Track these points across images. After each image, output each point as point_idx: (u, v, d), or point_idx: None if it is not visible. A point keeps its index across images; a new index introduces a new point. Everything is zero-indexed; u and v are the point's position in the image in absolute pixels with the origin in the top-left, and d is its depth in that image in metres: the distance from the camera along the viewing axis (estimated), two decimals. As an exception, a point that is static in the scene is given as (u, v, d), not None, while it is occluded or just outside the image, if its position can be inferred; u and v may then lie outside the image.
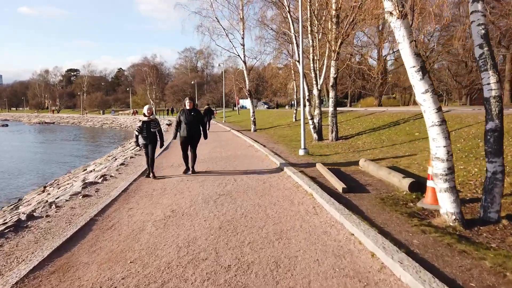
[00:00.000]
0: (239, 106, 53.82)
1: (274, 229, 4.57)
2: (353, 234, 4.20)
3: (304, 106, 11.94)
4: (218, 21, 20.96)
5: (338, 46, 13.26)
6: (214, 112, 50.58)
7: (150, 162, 8.14)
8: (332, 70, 13.64)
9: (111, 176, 8.99)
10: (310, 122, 14.32)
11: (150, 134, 8.01)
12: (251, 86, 23.48)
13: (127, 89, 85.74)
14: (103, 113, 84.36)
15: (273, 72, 30.61)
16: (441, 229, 4.26)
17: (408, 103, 44.49)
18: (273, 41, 22.24)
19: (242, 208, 5.51)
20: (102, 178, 8.73)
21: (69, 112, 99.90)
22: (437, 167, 4.48)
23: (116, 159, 14.14)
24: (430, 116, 4.46)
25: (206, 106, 23.58)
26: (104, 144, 30.00)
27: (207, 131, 8.63)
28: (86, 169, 14.36)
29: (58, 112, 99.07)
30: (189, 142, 8.38)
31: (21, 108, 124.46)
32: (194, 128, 8.32)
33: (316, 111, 14.65)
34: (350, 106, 44.96)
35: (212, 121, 37.63)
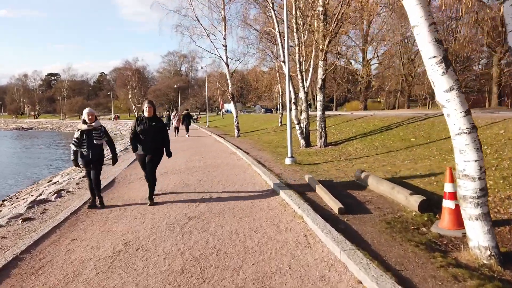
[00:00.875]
0: (223, 110, 52.66)
1: (254, 271, 3.43)
2: (361, 283, 3.10)
3: (291, 110, 10.90)
4: (199, 21, 19.85)
5: (326, 45, 12.30)
6: (198, 116, 49.37)
7: (95, 185, 5.98)
8: (320, 71, 12.66)
9: (68, 191, 7.71)
10: (297, 127, 13.28)
11: (93, 148, 5.82)
12: (234, 89, 22.37)
13: (108, 93, 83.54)
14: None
15: (257, 75, 29.62)
16: (475, 270, 3.21)
17: (394, 107, 44.23)
18: (256, 42, 21.21)
19: (215, 238, 4.35)
20: (56, 194, 7.44)
21: (48, 117, 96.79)
22: (466, 187, 3.43)
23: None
24: (457, 121, 3.41)
25: (185, 111, 22.57)
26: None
27: (170, 148, 6.41)
28: (51, 180, 12.95)
29: (37, 117, 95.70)
30: (148, 162, 6.15)
31: (1, 114, 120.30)
32: (155, 143, 6.11)
33: (303, 115, 13.63)
34: (336, 110, 44.36)
35: (195, 126, 36.43)
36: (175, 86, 59.43)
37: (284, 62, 13.27)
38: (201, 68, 38.47)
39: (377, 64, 43.21)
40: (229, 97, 20.66)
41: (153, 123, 6.06)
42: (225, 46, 20.09)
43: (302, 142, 13.16)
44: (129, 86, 73.39)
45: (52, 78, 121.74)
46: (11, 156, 26.21)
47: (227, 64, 20.22)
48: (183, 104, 65.34)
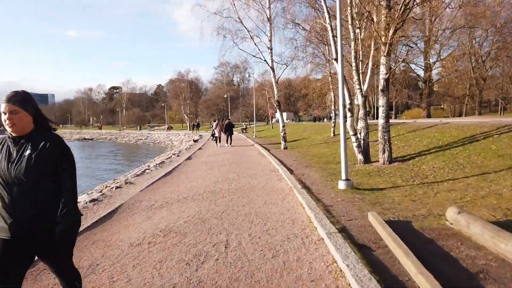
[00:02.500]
0: (273, 120, 50.83)
1: None
2: None
3: (345, 117, 8.60)
4: (241, 22, 18.18)
5: (390, 37, 9.86)
6: (247, 126, 48.02)
7: None
8: (382, 70, 10.20)
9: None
10: (353, 138, 10.86)
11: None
12: (281, 96, 20.35)
13: (162, 104, 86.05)
14: (140, 129, 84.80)
15: (307, 82, 27.36)
16: None
17: (460, 114, 39.43)
18: (305, 43, 19.02)
19: None
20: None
21: (109, 128, 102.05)
22: None
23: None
24: None
25: (227, 121, 21.44)
26: (126, 162, 28.01)
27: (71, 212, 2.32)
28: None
29: (101, 129, 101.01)
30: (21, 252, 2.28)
31: (68, 125, 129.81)
32: (27, 204, 2.24)
33: (361, 124, 11.18)
34: (395, 118, 40.47)
35: (242, 136, 34.92)
36: (225, 96, 58.88)
37: (336, 60, 11.01)
38: (249, 75, 36.91)
39: (440, 68, 38.91)
40: (275, 105, 18.67)
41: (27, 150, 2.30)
42: (271, 49, 18.20)
43: (360, 157, 10.71)
44: (181, 97, 74.60)
45: (114, 91, 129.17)
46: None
47: (272, 68, 18.29)
48: (233, 114, 64.69)
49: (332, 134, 20.18)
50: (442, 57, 35.09)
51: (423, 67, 36.92)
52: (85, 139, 74.59)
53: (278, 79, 18.61)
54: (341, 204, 5.93)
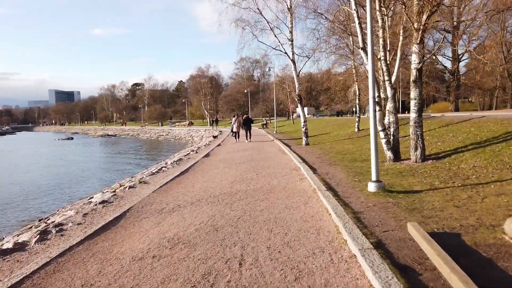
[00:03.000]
0: (294, 115, 49.85)
1: None
2: None
3: (375, 112, 7.78)
4: (261, 13, 17.43)
5: (423, 23, 8.95)
6: (268, 121, 47.27)
7: None
8: (415, 59, 9.31)
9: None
10: (382, 134, 10.01)
11: None
12: (302, 89, 19.57)
13: (183, 100, 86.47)
14: (161, 125, 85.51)
15: (330, 75, 26.36)
16: None
17: (490, 107, 37.34)
18: (328, 34, 18.13)
19: None
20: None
21: (131, 124, 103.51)
22: None
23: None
24: None
25: (245, 116, 21.24)
26: (146, 158, 27.91)
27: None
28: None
29: (125, 125, 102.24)
30: None
31: (92, 122, 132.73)
32: None
33: (390, 118, 10.33)
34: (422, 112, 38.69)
35: (262, 131, 34.24)
36: (245, 91, 58.31)
37: (363, 49, 10.17)
38: (269, 70, 36.13)
39: (468, 60, 36.91)
40: (296, 99, 17.89)
41: None
42: (291, 41, 17.39)
43: (389, 154, 9.86)
44: (201, 92, 74.59)
45: (137, 87, 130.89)
46: (87, 162, 26.61)
47: (293, 61, 17.48)
48: (253, 109, 64.10)
49: (356, 129, 19.24)
50: (471, 47, 33.21)
51: (451, 59, 35.13)
52: (108, 135, 75.80)
53: (299, 72, 17.82)
54: (373, 211, 5.19)
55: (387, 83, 10.20)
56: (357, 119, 19.41)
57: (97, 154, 34.13)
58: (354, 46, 15.30)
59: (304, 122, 17.46)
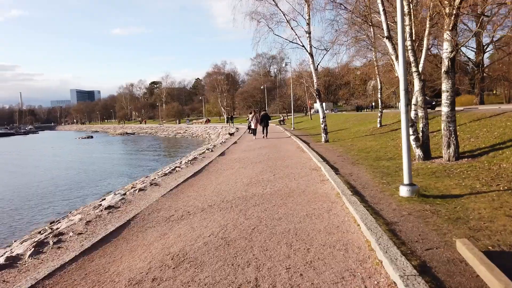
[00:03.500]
0: (312, 110, 48.83)
1: None
2: None
3: (407, 105, 6.95)
4: (277, 5, 16.71)
5: (456, 6, 8.07)
6: (285, 118, 46.45)
7: None
8: (447, 47, 8.46)
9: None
10: (410, 130, 9.19)
11: None
12: (320, 84, 18.75)
13: (200, 98, 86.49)
14: (179, 123, 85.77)
15: (349, 68, 25.36)
16: None
17: (517, 100, 35.40)
18: (347, 26, 17.21)
19: None
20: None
21: (149, 122, 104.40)
22: None
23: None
24: None
25: (263, 112, 21.06)
26: (164, 156, 27.68)
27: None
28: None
29: (145, 123, 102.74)
30: None
31: (112, 120, 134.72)
32: None
33: (418, 113, 9.48)
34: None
35: (280, 128, 33.48)
36: (262, 87, 57.57)
37: (388, 38, 9.35)
38: (286, 65, 35.27)
39: (493, 50, 34.99)
40: (314, 94, 17.10)
41: None
42: (309, 33, 16.61)
43: (418, 152, 9.03)
44: (218, 89, 74.28)
45: (154, 86, 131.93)
46: (106, 161, 26.56)
47: (311, 54, 16.69)
48: (270, 105, 63.31)
49: (378, 125, 18.31)
50: (495, 38, 31.43)
51: (475, 50, 33.44)
52: (127, 133, 76.55)
53: (317, 66, 17.01)
54: (409, 221, 4.47)
55: (414, 74, 9.34)
56: (379, 114, 18.44)
57: (117, 153, 34.14)
58: (378, 35, 14.32)
59: (323, 118, 16.67)
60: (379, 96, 18.87)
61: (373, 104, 49.33)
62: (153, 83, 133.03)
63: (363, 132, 18.00)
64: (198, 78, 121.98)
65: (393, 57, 9.10)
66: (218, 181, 8.53)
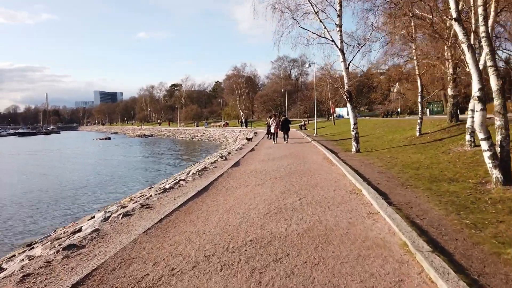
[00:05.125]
0: (334, 115, 46.24)
1: None
2: None
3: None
4: (303, -6, 14.57)
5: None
6: (306, 123, 44.06)
7: None
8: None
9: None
10: (484, 144, 6.84)
11: None
12: (352, 85, 16.52)
13: (219, 100, 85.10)
14: (197, 125, 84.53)
15: (376, 75, 22.92)
16: None
17: None
18: (385, 18, 14.94)
19: None
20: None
21: (164, 125, 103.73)
22: None
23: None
24: None
25: (283, 117, 21.23)
26: (179, 160, 25.93)
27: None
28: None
29: (169, 125, 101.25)
30: None
31: (132, 122, 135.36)
32: None
33: (496, 122, 7.11)
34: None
35: (301, 134, 31.16)
36: (282, 90, 55.42)
37: (457, 20, 7.05)
38: (309, 65, 32.98)
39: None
40: (345, 96, 14.83)
41: None
42: (340, 27, 14.39)
43: (496, 174, 6.66)
44: (237, 92, 72.57)
45: (175, 88, 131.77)
46: (118, 165, 25.02)
47: (342, 50, 14.45)
48: (290, 109, 61.06)
49: (417, 133, 15.84)
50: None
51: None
52: (145, 135, 75.84)
53: (349, 64, 14.74)
54: None
55: (491, 70, 6.98)
56: (418, 121, 15.97)
57: (132, 157, 32.65)
58: (435, 17, 11.89)
59: (355, 124, 14.35)
60: (419, 100, 16.40)
61: (399, 109, 46.33)
62: (174, 85, 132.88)
63: (400, 141, 15.56)
64: (218, 81, 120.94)
65: (465, 46, 6.80)
66: (226, 207, 6.43)
